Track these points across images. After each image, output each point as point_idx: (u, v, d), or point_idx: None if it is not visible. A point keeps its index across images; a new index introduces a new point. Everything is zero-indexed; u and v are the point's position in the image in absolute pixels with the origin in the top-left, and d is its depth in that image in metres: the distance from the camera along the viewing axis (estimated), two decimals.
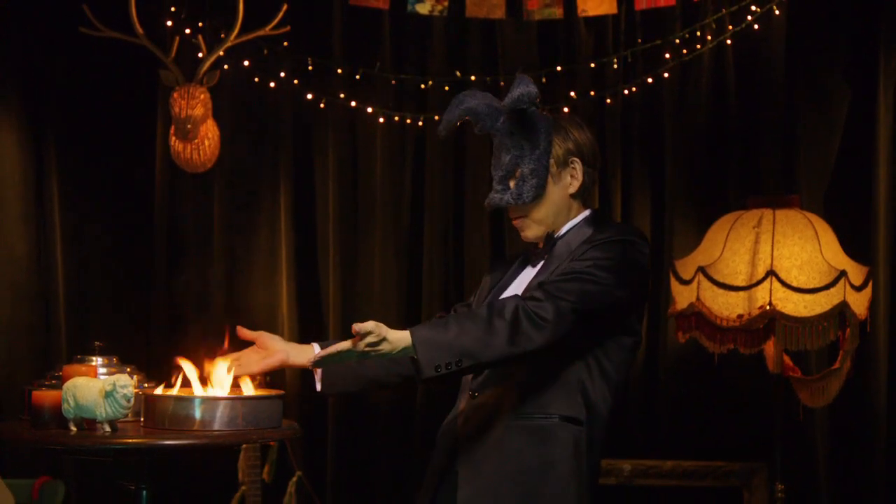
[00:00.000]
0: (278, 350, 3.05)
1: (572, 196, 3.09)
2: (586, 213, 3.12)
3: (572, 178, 3.07)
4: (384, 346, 2.82)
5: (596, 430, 2.97)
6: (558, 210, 3.08)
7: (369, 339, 2.80)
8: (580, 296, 2.86)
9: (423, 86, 5.14)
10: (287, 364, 3.07)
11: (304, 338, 5.16)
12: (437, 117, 3.06)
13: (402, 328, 2.87)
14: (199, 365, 3.11)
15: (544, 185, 3.03)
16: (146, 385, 3.34)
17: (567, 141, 3.07)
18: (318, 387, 3.18)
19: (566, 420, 2.95)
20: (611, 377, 2.99)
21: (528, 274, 3.11)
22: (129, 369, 3.40)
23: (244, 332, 3.07)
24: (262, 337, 3.07)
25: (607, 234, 2.99)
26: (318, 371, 3.14)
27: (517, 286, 3.09)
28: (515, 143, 3.03)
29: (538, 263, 3.09)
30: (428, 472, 3.13)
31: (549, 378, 2.96)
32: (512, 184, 3.04)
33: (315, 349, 3.08)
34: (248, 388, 3.06)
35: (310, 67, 5.09)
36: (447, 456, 3.05)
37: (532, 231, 3.10)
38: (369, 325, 2.80)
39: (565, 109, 5.10)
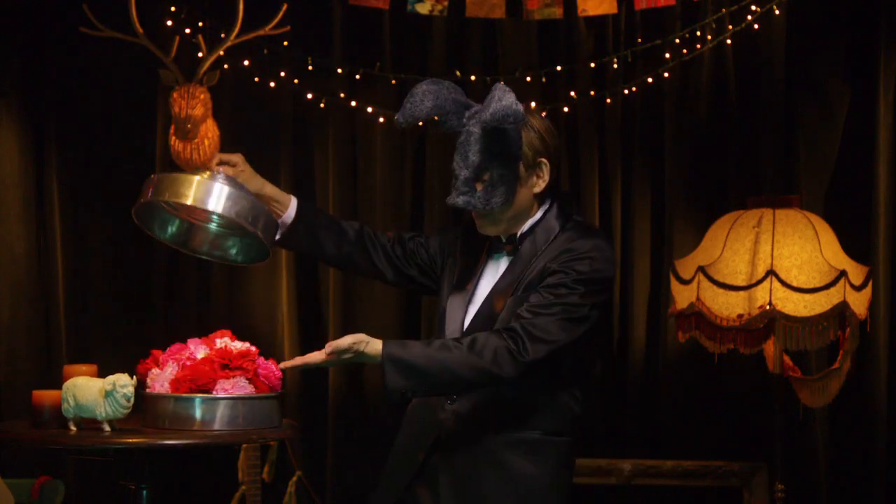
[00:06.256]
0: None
1: (536, 195, 3.01)
2: (545, 205, 3.03)
3: (538, 179, 2.98)
4: (359, 359, 2.87)
5: (577, 438, 3.03)
6: (522, 211, 3.00)
7: (345, 357, 2.84)
8: (559, 332, 2.85)
9: None
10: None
11: (303, 337, 5.16)
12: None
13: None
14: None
15: (514, 190, 2.93)
16: (146, 385, 3.34)
17: (536, 141, 2.94)
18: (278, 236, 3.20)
19: (553, 433, 2.97)
20: (582, 376, 3.02)
21: (492, 271, 3.05)
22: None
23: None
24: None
25: (577, 247, 2.93)
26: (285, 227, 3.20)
27: (484, 286, 3.03)
28: (486, 145, 2.88)
29: (501, 259, 3.04)
30: (395, 462, 3.10)
31: (539, 393, 2.97)
32: (479, 187, 2.91)
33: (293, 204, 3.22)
34: None
35: (310, 67, 5.09)
36: (425, 454, 3.01)
37: (492, 230, 3.02)
38: (346, 341, 2.82)
39: (565, 109, 5.11)
